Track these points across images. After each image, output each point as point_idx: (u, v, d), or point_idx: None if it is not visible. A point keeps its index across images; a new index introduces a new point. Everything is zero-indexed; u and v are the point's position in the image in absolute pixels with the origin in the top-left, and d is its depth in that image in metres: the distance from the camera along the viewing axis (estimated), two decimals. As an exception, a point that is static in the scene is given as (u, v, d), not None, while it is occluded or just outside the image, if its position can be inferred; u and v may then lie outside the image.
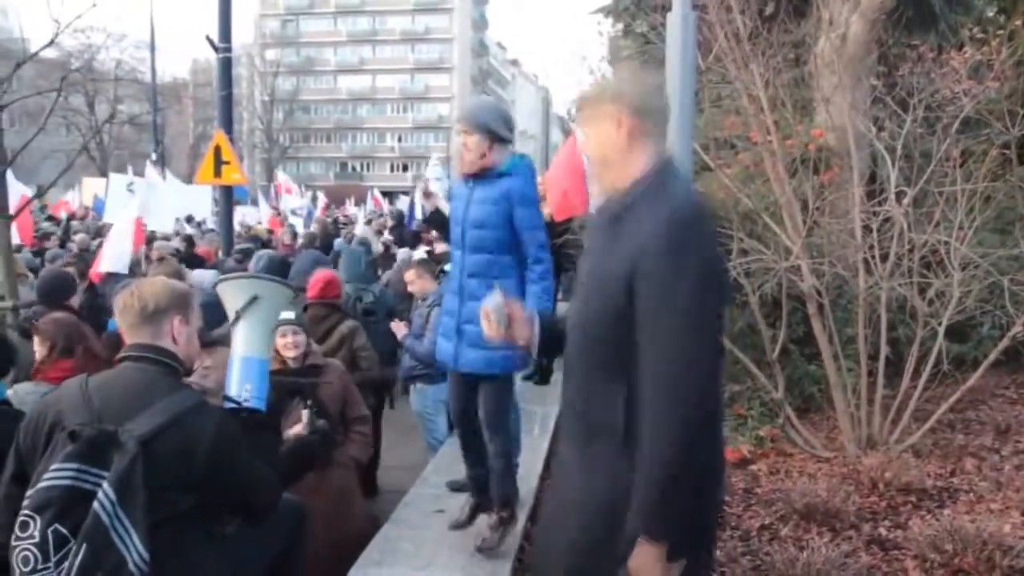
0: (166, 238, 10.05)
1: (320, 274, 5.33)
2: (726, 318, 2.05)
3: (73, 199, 21.96)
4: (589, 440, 2.04)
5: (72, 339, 3.78)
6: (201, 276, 5.35)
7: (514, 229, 3.47)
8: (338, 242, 11.40)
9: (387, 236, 12.92)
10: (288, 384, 3.95)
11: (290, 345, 3.97)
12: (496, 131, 3.47)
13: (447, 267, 4.91)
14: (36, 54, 7.80)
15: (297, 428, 3.92)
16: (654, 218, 1.92)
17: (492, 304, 2.17)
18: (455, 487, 4.39)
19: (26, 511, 2.02)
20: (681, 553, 1.87)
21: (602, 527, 1.93)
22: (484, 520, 3.80)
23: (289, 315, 3.99)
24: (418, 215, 11.29)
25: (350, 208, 25.75)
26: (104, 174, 30.55)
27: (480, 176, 3.51)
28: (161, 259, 5.01)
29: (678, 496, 1.83)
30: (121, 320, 2.40)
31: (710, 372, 1.91)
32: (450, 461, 4.75)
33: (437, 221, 4.16)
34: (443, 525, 3.97)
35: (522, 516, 4.12)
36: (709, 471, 1.97)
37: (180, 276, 5.10)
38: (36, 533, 1.99)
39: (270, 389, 2.79)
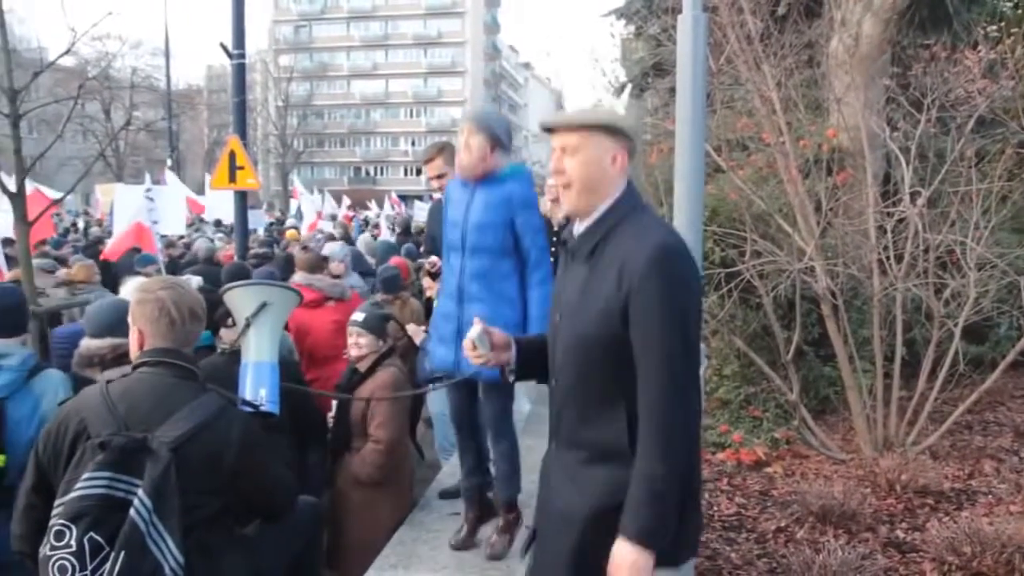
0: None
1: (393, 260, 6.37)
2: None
3: (101, 204, 22.59)
4: (592, 461, 2.09)
5: None
6: (332, 247, 5.74)
7: (515, 233, 3.44)
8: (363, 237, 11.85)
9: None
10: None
11: (352, 345, 4.12)
12: (499, 136, 3.46)
13: None
14: (54, 63, 7.88)
15: None
16: (642, 248, 1.99)
17: (475, 334, 2.25)
18: (445, 495, 4.36)
19: (61, 520, 2.03)
20: (664, 561, 1.96)
21: (605, 531, 1.98)
22: (489, 529, 3.74)
23: (358, 316, 4.13)
24: None
25: (372, 210, 25.88)
26: (120, 180, 30.90)
27: (481, 179, 3.49)
28: (305, 248, 5.17)
29: (669, 508, 1.94)
30: (158, 324, 2.34)
31: (697, 398, 2.06)
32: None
33: None
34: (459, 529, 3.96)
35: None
36: (693, 491, 2.10)
37: (320, 265, 5.28)
38: (72, 542, 2.01)
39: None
